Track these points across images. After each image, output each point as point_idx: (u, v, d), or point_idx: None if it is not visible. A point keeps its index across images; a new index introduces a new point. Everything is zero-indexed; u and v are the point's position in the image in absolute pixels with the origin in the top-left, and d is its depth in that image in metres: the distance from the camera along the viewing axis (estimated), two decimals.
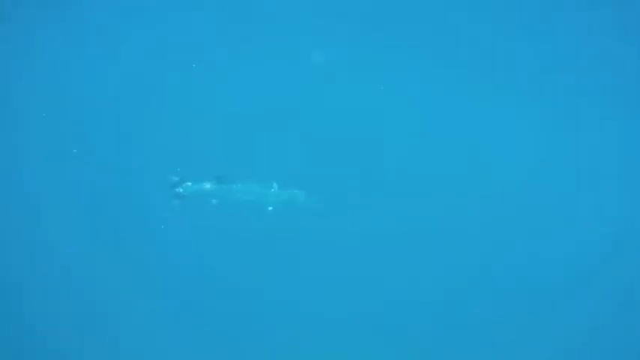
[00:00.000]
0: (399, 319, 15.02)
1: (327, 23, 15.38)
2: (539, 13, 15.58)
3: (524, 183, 15.22)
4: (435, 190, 15.24)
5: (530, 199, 15.25)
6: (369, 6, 15.43)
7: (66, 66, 15.44)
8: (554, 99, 15.54)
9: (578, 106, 15.44)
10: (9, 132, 15.16)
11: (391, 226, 15.06)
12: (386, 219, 15.08)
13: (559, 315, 14.85)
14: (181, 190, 14.78)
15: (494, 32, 15.55)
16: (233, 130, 15.26)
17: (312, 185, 14.75)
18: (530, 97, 15.53)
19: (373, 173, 15.32)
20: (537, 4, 15.59)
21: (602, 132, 15.43)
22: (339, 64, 15.43)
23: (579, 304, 14.88)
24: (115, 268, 14.75)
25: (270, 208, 14.64)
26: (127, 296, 14.68)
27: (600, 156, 15.47)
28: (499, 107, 15.40)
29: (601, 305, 14.85)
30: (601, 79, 15.47)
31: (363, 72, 15.52)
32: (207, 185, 14.79)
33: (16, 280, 14.72)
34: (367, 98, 15.54)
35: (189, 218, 14.80)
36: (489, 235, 15.04)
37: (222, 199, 14.69)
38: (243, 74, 15.42)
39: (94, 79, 15.37)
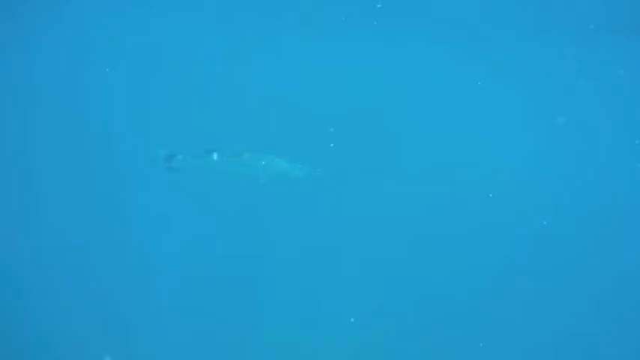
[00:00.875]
0: (391, 297, 14.96)
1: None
2: (542, 12, 15.70)
3: (523, 181, 15.28)
4: (430, 170, 15.29)
5: (530, 198, 15.27)
6: None
7: (55, 41, 15.45)
8: (556, 99, 15.67)
9: (578, 105, 15.57)
10: None
11: (387, 204, 15.09)
12: (380, 195, 15.13)
13: (559, 315, 14.81)
14: (172, 163, 14.75)
15: (497, 31, 15.71)
16: (224, 103, 15.30)
17: (304, 158, 14.58)
18: (533, 96, 15.69)
19: (368, 147, 15.35)
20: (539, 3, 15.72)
21: (603, 132, 15.52)
22: (333, 42, 15.50)
23: (579, 304, 14.85)
24: (105, 243, 14.68)
25: (262, 182, 14.67)
26: (117, 272, 14.58)
27: (601, 156, 15.54)
28: (499, 105, 15.61)
29: (601, 305, 14.80)
30: (601, 79, 15.61)
31: (359, 57, 15.67)
32: (198, 158, 14.80)
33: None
34: (362, 79, 15.64)
35: (180, 191, 14.84)
36: (482, 225, 15.10)
37: (214, 172, 14.67)
38: (235, 48, 15.51)
39: (84, 55, 15.42)
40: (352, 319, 14.41)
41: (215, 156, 14.67)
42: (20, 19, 15.39)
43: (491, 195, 15.12)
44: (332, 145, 15.01)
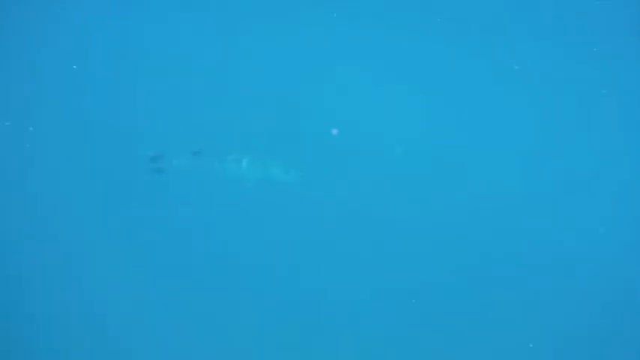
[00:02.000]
0: (380, 295, 14.72)
1: None
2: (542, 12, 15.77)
3: (522, 181, 15.25)
4: (424, 171, 15.26)
5: (531, 198, 15.20)
6: None
7: (44, 35, 15.42)
8: (556, 99, 15.66)
9: (579, 105, 15.58)
10: None
11: (380, 207, 14.97)
12: (373, 198, 14.99)
13: (560, 315, 14.64)
14: (158, 164, 14.69)
15: (495, 31, 15.71)
16: (211, 104, 15.23)
17: (294, 161, 14.68)
18: (531, 97, 15.66)
19: (355, 150, 15.24)
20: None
21: (603, 131, 15.50)
22: (325, 42, 15.53)
23: (579, 304, 14.71)
24: (93, 244, 14.44)
25: (250, 185, 14.59)
26: (105, 272, 14.31)
27: (601, 156, 15.47)
28: (498, 104, 15.55)
29: (601, 305, 14.68)
30: (601, 79, 15.59)
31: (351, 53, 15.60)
32: (185, 160, 14.70)
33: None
34: (353, 78, 15.57)
35: (166, 193, 14.67)
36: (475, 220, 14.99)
37: (200, 174, 14.58)
38: (224, 50, 15.53)
39: (73, 54, 15.38)
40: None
41: (202, 158, 14.67)
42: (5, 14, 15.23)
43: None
44: (325, 146, 14.97)
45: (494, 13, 15.84)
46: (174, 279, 14.45)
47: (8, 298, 14.18)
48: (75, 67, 15.29)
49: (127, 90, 15.19)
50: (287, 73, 15.45)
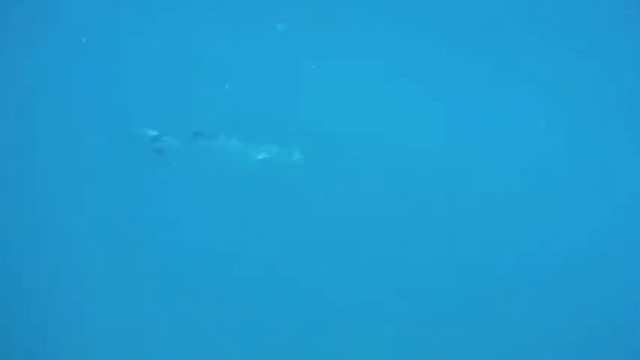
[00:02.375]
0: (383, 281, 14.62)
1: None
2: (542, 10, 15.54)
3: (524, 180, 15.15)
4: (426, 164, 15.06)
5: (531, 197, 15.10)
6: None
7: (44, 20, 15.20)
8: (556, 98, 15.46)
9: (580, 105, 15.38)
10: None
11: (382, 195, 14.82)
12: (376, 185, 14.84)
13: (561, 315, 14.62)
14: (160, 144, 14.53)
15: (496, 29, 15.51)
16: (214, 83, 15.02)
17: (296, 144, 14.51)
18: (531, 95, 15.45)
19: (365, 134, 15.06)
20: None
21: (604, 131, 15.31)
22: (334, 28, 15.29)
23: (579, 304, 14.66)
24: (93, 227, 14.39)
25: (252, 165, 14.44)
26: (106, 256, 14.26)
27: (601, 155, 15.33)
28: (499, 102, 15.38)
29: (601, 305, 14.62)
30: (601, 78, 15.40)
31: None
32: (185, 141, 14.53)
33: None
34: (360, 67, 15.31)
35: (166, 174, 14.53)
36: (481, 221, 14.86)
37: (201, 155, 14.41)
38: (227, 27, 15.21)
39: (73, 33, 15.13)
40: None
41: (203, 139, 14.52)
42: None
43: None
44: (326, 129, 14.74)
45: (498, 12, 15.63)
46: (176, 263, 14.40)
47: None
48: (84, 40, 15.08)
49: (128, 70, 14.96)
50: (294, 56, 15.18)
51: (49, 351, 13.93)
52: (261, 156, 14.55)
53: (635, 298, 14.64)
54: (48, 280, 14.12)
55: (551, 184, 15.15)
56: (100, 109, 14.79)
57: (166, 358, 13.96)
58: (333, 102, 14.85)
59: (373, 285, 14.45)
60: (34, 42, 15.04)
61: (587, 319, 14.43)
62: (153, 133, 14.56)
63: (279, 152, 14.58)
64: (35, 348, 13.84)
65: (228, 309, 14.14)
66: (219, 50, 15.17)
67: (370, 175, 14.81)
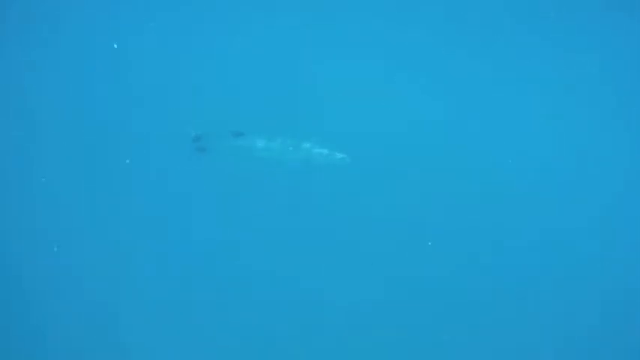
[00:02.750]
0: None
1: None
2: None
3: (524, 180, 15.26)
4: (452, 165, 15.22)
5: (531, 197, 15.20)
6: None
7: (85, 23, 15.54)
8: (556, 98, 15.67)
9: (580, 105, 15.57)
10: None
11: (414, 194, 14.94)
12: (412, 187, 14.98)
13: (561, 315, 14.64)
14: (202, 143, 14.78)
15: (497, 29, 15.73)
16: (255, 84, 15.26)
17: (341, 145, 14.66)
18: (531, 95, 15.67)
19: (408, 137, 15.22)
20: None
21: (604, 130, 15.48)
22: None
23: (579, 303, 14.70)
24: (134, 225, 14.56)
25: (293, 166, 14.56)
26: (148, 255, 14.45)
27: (601, 155, 15.47)
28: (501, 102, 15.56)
29: (600, 306, 14.65)
30: (601, 78, 15.60)
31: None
32: (227, 140, 14.74)
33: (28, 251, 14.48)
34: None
35: (208, 172, 14.77)
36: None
37: (244, 155, 14.61)
38: (269, 29, 15.54)
39: (113, 37, 15.46)
40: None
41: (246, 139, 14.70)
42: None
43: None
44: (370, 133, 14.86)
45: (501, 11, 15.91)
46: (217, 263, 14.50)
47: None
48: (115, 46, 15.36)
49: (170, 70, 15.28)
50: (335, 58, 15.45)
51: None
52: (302, 155, 14.74)
53: (636, 298, 14.72)
54: (91, 278, 14.23)
55: (551, 183, 15.30)
56: (145, 109, 15.09)
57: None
58: (377, 101, 15.08)
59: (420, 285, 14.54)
60: (78, 39, 15.41)
61: (588, 319, 14.48)
62: (195, 132, 14.86)
63: (320, 152, 14.71)
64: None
65: (274, 310, 14.18)
66: (259, 51, 15.46)
67: (416, 175, 14.95)
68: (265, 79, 15.22)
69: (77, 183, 14.60)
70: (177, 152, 14.75)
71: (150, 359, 13.75)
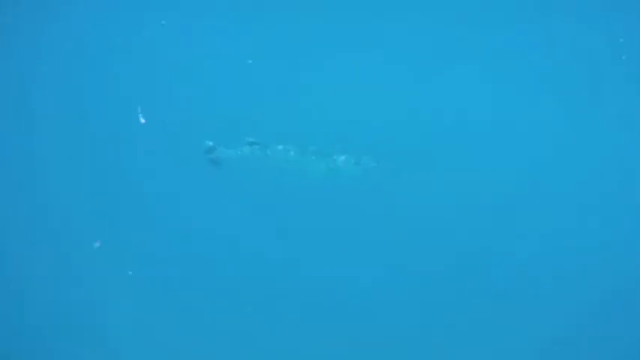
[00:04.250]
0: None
1: None
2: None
3: (525, 180, 14.96)
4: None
5: (531, 197, 14.93)
6: None
7: (98, 32, 15.24)
8: (557, 98, 15.46)
9: (580, 105, 15.38)
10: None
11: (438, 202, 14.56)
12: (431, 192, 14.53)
13: (562, 315, 14.26)
14: (215, 155, 14.26)
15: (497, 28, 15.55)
16: (268, 94, 14.89)
17: (350, 152, 14.33)
18: (531, 95, 15.46)
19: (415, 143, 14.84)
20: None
21: (604, 130, 15.30)
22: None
23: (580, 304, 14.36)
24: (148, 235, 14.05)
25: (313, 176, 14.17)
26: (162, 266, 13.91)
27: (601, 155, 15.26)
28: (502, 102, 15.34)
29: (600, 306, 14.32)
30: (601, 78, 15.47)
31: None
32: (242, 151, 14.25)
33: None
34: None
35: (223, 184, 14.28)
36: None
37: (259, 166, 14.14)
38: (284, 36, 15.18)
39: (125, 46, 15.16)
40: None
41: (260, 149, 14.28)
42: None
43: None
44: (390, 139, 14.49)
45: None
46: (233, 276, 13.93)
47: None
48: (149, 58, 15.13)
49: (183, 80, 14.91)
50: (350, 66, 15.11)
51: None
52: (321, 165, 14.31)
53: (635, 298, 14.50)
54: (106, 285, 13.89)
55: (552, 183, 15.01)
56: (158, 119, 14.62)
57: None
58: (401, 105, 14.78)
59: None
60: (94, 49, 15.01)
61: (588, 319, 14.13)
62: (209, 143, 14.31)
63: (333, 161, 14.34)
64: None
65: (293, 321, 13.70)
66: (274, 60, 15.12)
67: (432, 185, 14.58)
68: (281, 86, 14.89)
69: (87, 194, 14.31)
70: (189, 165, 14.21)
71: None
